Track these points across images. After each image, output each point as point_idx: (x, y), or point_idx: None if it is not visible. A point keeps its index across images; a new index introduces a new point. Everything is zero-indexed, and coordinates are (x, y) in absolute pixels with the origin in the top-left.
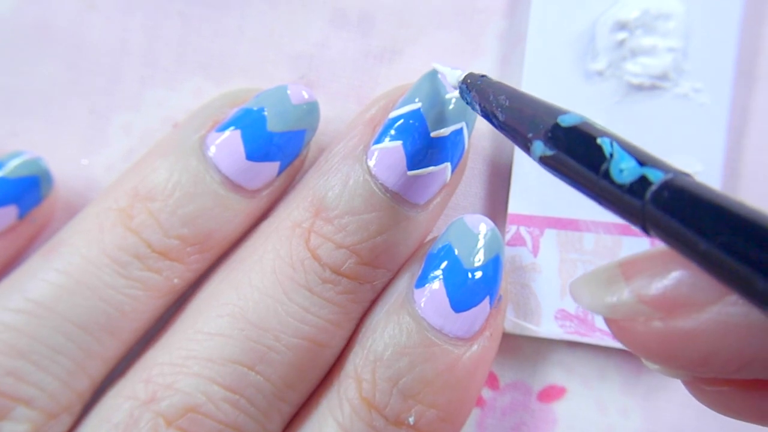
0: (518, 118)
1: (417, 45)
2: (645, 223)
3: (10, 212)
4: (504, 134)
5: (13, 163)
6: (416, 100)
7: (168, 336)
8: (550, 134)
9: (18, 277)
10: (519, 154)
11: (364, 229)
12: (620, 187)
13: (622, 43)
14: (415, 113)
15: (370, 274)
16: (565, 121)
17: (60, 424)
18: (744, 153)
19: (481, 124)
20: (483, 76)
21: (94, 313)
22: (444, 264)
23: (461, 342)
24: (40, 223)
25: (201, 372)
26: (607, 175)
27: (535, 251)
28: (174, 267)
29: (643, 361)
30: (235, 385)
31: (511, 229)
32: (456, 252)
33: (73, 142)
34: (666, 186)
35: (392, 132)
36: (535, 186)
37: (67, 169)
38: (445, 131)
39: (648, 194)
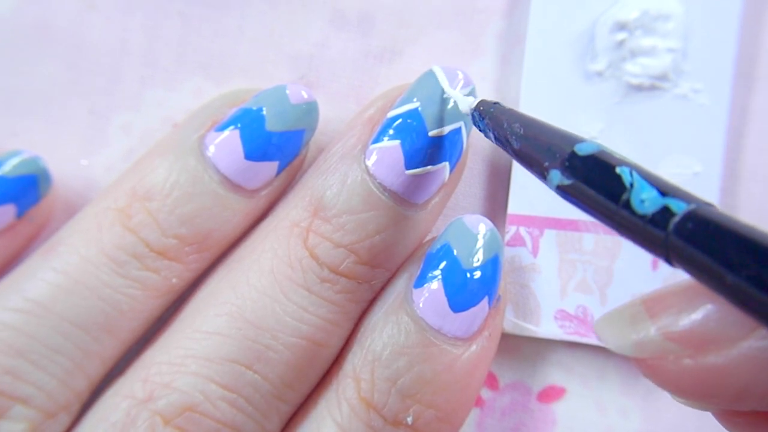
0: (534, 146)
1: (417, 45)
2: (669, 254)
3: (8, 211)
4: (519, 162)
5: (11, 162)
6: (414, 99)
7: (167, 335)
8: (567, 163)
9: (17, 276)
10: None
11: (363, 229)
12: (642, 217)
13: (621, 43)
14: (413, 113)
15: (368, 274)
16: (582, 150)
17: (58, 424)
18: (743, 153)
19: None
20: (496, 103)
21: (93, 313)
22: (443, 264)
23: (460, 342)
24: (39, 223)
25: (199, 371)
26: (627, 205)
27: (534, 251)
28: (172, 267)
29: (671, 395)
30: (233, 384)
31: (511, 230)
32: (455, 252)
33: (73, 142)
34: (689, 217)
35: (390, 131)
36: (535, 186)
37: (66, 169)
38: (443, 130)
39: (671, 225)
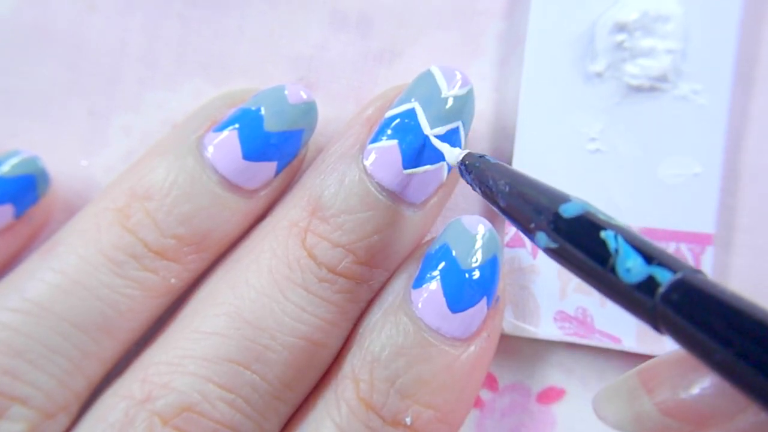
0: (519, 206)
1: (416, 46)
2: (657, 323)
3: (6, 211)
4: (507, 220)
5: (10, 162)
6: (412, 99)
7: (165, 335)
8: (552, 225)
9: (16, 276)
10: (518, 155)
11: (361, 228)
12: (628, 286)
13: (621, 44)
14: (410, 112)
15: (366, 274)
16: (567, 212)
17: (57, 424)
18: (743, 154)
19: (480, 124)
20: (482, 156)
21: (91, 313)
22: (441, 264)
23: (459, 343)
24: (38, 223)
25: (197, 371)
26: (614, 271)
27: (534, 253)
28: (171, 267)
29: None
30: (231, 384)
31: (511, 231)
32: (453, 253)
33: (73, 143)
34: (675, 287)
35: (388, 131)
36: None
37: (66, 170)
38: (440, 130)
39: (657, 296)
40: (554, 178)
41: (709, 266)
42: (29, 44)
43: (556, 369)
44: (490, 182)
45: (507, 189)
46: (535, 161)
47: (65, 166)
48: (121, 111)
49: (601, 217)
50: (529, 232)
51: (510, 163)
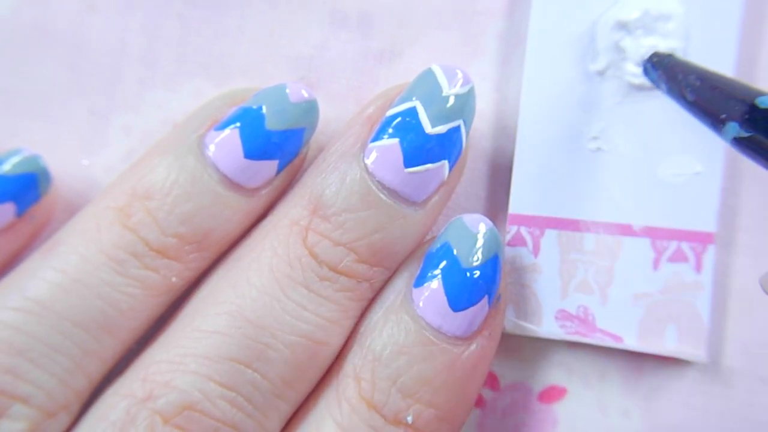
0: (710, 99)
1: (417, 46)
2: None
3: (7, 210)
4: (692, 114)
5: (11, 161)
6: (413, 98)
7: (166, 334)
8: (747, 115)
9: (17, 275)
10: (520, 153)
11: (362, 227)
12: None
13: (621, 43)
14: (412, 111)
15: (368, 272)
16: (764, 103)
17: (58, 423)
18: None
19: (481, 124)
20: (670, 54)
21: (92, 312)
22: (442, 263)
23: (460, 341)
24: (40, 222)
25: (198, 370)
26: None
27: (535, 251)
28: (172, 266)
29: None
30: (232, 382)
31: (512, 230)
32: (455, 251)
33: (73, 142)
34: None
35: (389, 130)
36: (536, 186)
37: (67, 169)
38: (442, 128)
39: None
40: (555, 177)
41: (710, 265)
42: (29, 44)
43: (558, 368)
44: (680, 77)
45: (698, 83)
46: (536, 160)
47: (66, 165)
48: (122, 111)
49: None
50: (719, 123)
51: (511, 163)
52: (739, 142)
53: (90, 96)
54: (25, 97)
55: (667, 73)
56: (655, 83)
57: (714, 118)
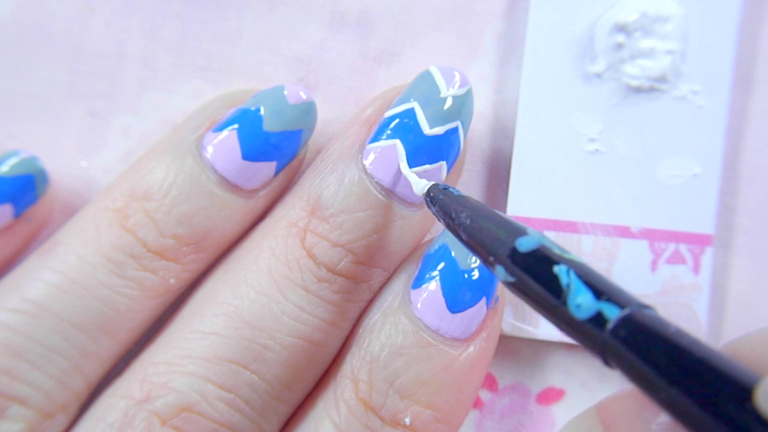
0: (480, 239)
1: (415, 47)
2: (606, 358)
3: (5, 211)
4: (470, 252)
5: (9, 162)
6: (411, 99)
7: (165, 335)
8: (509, 259)
9: (15, 276)
10: (518, 155)
11: (360, 228)
12: (578, 321)
13: (620, 45)
14: (410, 112)
15: (365, 273)
16: (522, 246)
17: (56, 424)
18: (742, 155)
19: (479, 125)
20: (446, 188)
21: (90, 313)
22: (440, 265)
23: (458, 343)
24: (38, 223)
25: (196, 371)
26: (566, 306)
27: None
28: (170, 267)
29: None
30: (230, 384)
31: None
32: (452, 253)
33: (72, 144)
34: (623, 323)
35: (387, 131)
36: (534, 188)
37: (66, 170)
38: (440, 130)
39: (606, 332)
40: (553, 179)
41: (708, 267)
42: (28, 46)
43: (556, 370)
44: (453, 214)
45: (468, 222)
46: (534, 162)
47: (65, 167)
48: (121, 112)
49: (556, 251)
50: (490, 265)
51: (509, 165)
52: (507, 286)
53: (89, 97)
54: (24, 99)
55: (443, 209)
56: (436, 216)
57: (485, 260)
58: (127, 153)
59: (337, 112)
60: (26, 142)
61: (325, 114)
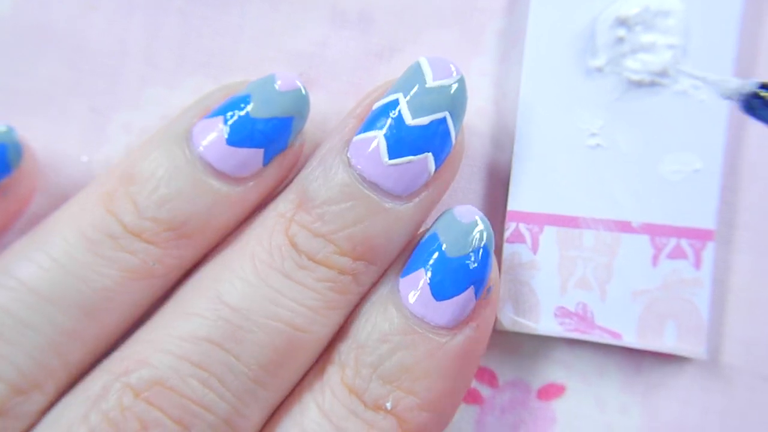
0: None
1: (417, 43)
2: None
3: None
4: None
5: None
6: (398, 90)
7: (154, 317)
8: None
9: (3, 255)
10: (519, 150)
11: (341, 218)
12: None
13: (621, 39)
14: (393, 103)
15: (348, 265)
16: None
17: (30, 403)
18: (744, 150)
19: (480, 120)
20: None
21: (67, 290)
22: (428, 253)
23: (444, 331)
24: (16, 200)
25: (173, 349)
26: None
27: (534, 248)
28: (149, 250)
29: None
30: (206, 362)
31: (511, 226)
32: (441, 241)
33: (73, 139)
34: None
35: (373, 123)
36: (535, 183)
37: (67, 166)
38: (424, 120)
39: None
40: (555, 174)
41: (710, 262)
42: (29, 42)
43: (557, 365)
44: None
45: None
46: (535, 157)
47: (66, 162)
48: (122, 108)
49: None
50: None
51: (510, 160)
52: None
53: (90, 94)
54: (25, 96)
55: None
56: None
57: None
58: (127, 148)
59: (338, 108)
60: (28, 138)
61: (326, 110)
